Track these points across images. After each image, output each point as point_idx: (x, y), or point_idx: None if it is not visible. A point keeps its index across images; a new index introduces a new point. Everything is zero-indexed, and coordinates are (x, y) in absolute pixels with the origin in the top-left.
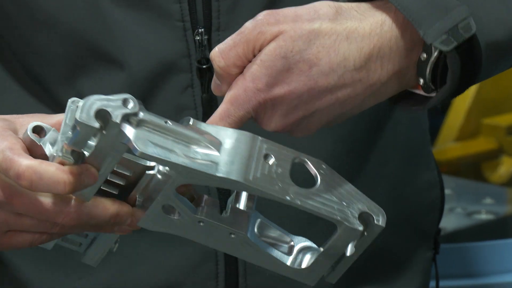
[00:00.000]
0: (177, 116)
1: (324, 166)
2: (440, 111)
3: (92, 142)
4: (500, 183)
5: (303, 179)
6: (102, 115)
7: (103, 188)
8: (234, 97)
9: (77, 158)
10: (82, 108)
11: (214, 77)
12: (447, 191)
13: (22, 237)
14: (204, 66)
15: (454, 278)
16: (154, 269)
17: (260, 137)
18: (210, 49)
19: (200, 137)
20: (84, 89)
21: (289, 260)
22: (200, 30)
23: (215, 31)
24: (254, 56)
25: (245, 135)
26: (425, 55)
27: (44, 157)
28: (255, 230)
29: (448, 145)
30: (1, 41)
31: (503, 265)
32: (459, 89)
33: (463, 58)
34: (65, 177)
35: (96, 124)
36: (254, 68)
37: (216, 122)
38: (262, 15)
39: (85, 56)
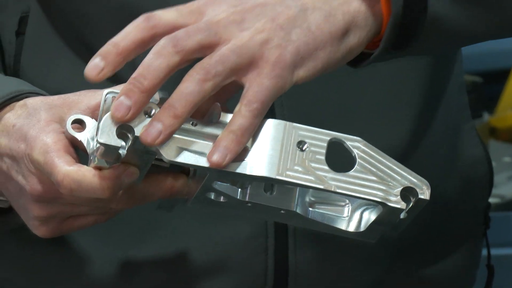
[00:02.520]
0: None
1: (361, 144)
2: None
3: (124, 143)
4: None
5: (342, 159)
6: (125, 128)
7: (155, 164)
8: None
9: (114, 159)
10: (102, 127)
11: None
12: (506, 159)
13: (84, 219)
14: None
15: None
16: (203, 242)
17: (292, 123)
18: None
19: None
20: (136, 60)
21: (345, 223)
22: None
23: None
24: None
25: (276, 123)
26: None
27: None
28: (309, 198)
29: (508, 113)
30: (56, 11)
31: None
32: (397, 43)
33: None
34: (103, 183)
35: (119, 143)
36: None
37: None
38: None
39: None
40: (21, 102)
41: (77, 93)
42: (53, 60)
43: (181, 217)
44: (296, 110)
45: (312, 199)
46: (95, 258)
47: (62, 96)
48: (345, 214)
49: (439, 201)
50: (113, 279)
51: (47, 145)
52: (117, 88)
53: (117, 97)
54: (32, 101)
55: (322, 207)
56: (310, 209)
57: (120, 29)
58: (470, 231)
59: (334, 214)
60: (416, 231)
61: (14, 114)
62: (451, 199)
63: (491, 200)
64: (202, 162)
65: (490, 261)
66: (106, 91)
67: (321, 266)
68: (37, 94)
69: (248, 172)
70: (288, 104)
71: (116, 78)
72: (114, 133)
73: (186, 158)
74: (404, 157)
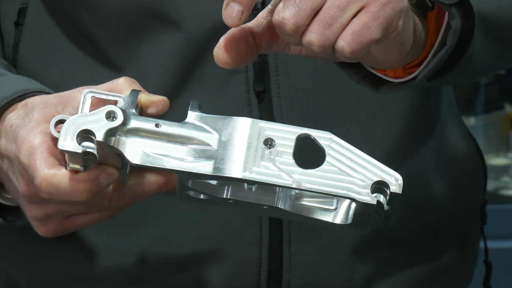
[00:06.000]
0: (228, 79)
1: (332, 139)
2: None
3: (93, 145)
4: None
5: (312, 155)
6: (88, 132)
7: None
8: None
9: (89, 161)
10: (64, 133)
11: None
12: None
13: (86, 217)
14: None
15: None
16: (197, 232)
17: (260, 121)
18: None
19: (195, 134)
20: (137, 50)
21: (331, 216)
22: None
23: None
24: None
25: (243, 121)
26: None
27: None
28: (294, 191)
29: None
30: (56, 0)
31: None
32: (451, 60)
33: (463, 16)
34: (80, 186)
35: (79, 149)
36: None
37: None
38: None
39: (141, 16)
40: (23, 101)
41: (73, 90)
42: (52, 51)
43: (175, 207)
44: (294, 99)
45: (298, 192)
46: (88, 248)
47: (60, 94)
48: (334, 206)
49: (433, 198)
50: (105, 269)
51: (33, 147)
52: (97, 88)
53: (225, 3)
54: (32, 100)
55: (309, 199)
56: (297, 202)
57: (123, 18)
58: (467, 227)
59: (320, 206)
60: (413, 226)
61: (15, 114)
62: (446, 195)
63: (511, 192)
64: (168, 164)
65: (487, 257)
66: (85, 91)
67: (316, 258)
68: (44, 92)
69: (213, 173)
70: (285, 93)
71: (117, 68)
72: (75, 138)
73: (151, 160)
74: (395, 151)
